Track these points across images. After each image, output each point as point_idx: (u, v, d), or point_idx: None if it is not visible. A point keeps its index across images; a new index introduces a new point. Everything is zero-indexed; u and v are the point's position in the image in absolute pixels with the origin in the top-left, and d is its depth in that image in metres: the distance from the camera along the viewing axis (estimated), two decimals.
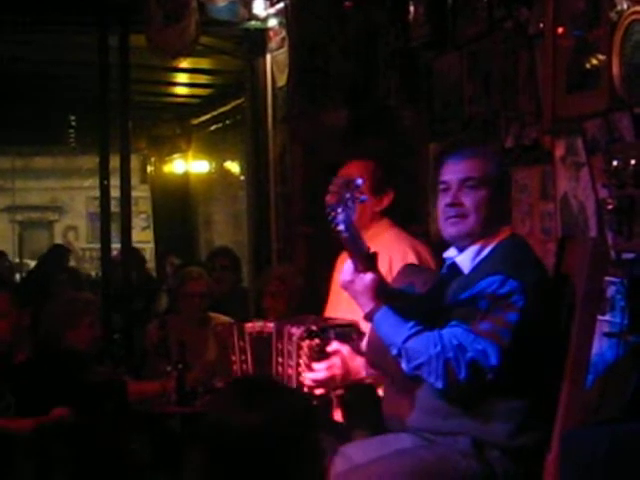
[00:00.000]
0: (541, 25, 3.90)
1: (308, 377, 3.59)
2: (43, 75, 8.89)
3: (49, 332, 4.89)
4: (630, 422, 2.95)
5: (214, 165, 11.79)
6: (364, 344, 3.53)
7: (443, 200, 3.26)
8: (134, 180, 8.33)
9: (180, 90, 10.15)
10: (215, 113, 10.51)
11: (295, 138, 6.42)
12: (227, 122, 10.32)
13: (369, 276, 3.21)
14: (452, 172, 3.27)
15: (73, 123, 11.29)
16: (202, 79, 9.35)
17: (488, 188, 3.22)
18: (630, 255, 3.34)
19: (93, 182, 11.20)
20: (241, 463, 2.00)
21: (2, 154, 17.83)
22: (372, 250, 3.28)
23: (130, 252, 7.50)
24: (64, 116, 10.95)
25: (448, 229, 3.26)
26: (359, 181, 3.13)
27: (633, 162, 3.28)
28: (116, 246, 7.64)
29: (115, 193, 7.07)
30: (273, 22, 6.61)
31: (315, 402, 3.54)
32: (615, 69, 3.35)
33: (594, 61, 3.54)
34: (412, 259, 4.05)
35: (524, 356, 3.05)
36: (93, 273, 13.08)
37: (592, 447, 2.75)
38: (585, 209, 3.63)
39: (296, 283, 5.51)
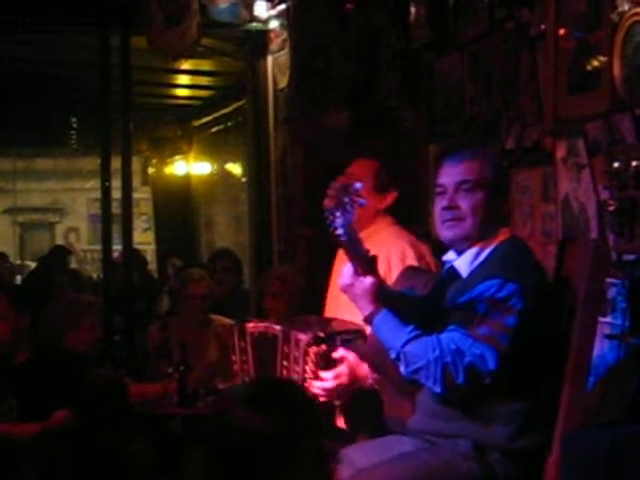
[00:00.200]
0: (542, 26, 3.89)
1: (316, 386, 3.59)
2: (44, 76, 8.90)
3: (50, 334, 4.89)
4: (631, 424, 2.95)
5: (215, 167, 11.79)
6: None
7: (440, 203, 3.26)
8: (135, 182, 8.34)
9: (181, 92, 10.16)
10: (216, 115, 10.51)
11: (296, 140, 6.42)
12: (228, 124, 10.32)
13: (369, 279, 3.20)
14: (448, 175, 3.26)
15: (74, 124, 11.30)
16: (203, 81, 9.35)
17: (485, 190, 3.20)
18: (631, 257, 3.33)
19: (94, 184, 11.17)
20: (244, 464, 1.99)
21: (3, 155, 17.85)
22: (371, 249, 3.28)
23: (131, 254, 7.51)
24: (65, 117, 10.95)
25: (445, 232, 3.25)
26: (358, 185, 3.12)
27: (634, 163, 3.27)
28: (117, 248, 7.65)
29: (116, 195, 7.08)
30: (274, 24, 6.61)
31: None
32: (616, 70, 3.35)
33: (595, 62, 3.53)
34: (411, 255, 4.06)
35: (524, 359, 3.05)
36: (94, 275, 13.08)
37: (593, 449, 2.75)
38: (586, 211, 3.63)
39: (297, 283, 5.51)
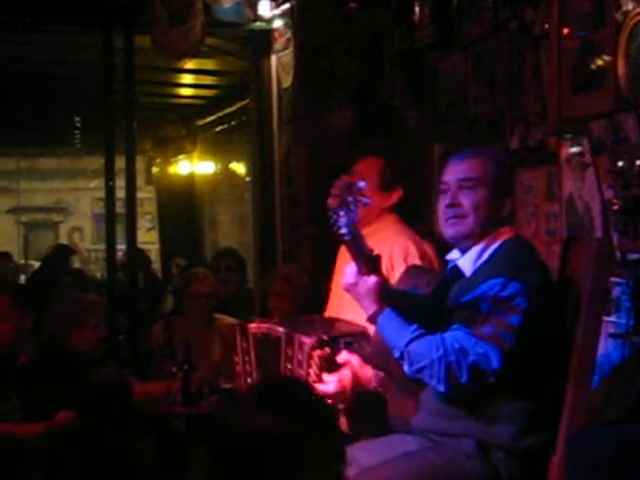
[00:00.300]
0: (546, 26, 3.89)
1: (319, 389, 3.59)
2: (48, 76, 8.89)
3: (54, 333, 4.89)
4: (636, 423, 2.94)
5: (219, 166, 11.78)
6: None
7: (443, 201, 3.26)
8: (139, 181, 8.36)
9: (185, 91, 10.15)
10: (220, 114, 10.51)
11: (300, 139, 6.41)
12: (232, 123, 10.32)
13: (372, 279, 3.20)
14: (451, 173, 3.26)
15: (78, 124, 11.29)
16: (207, 80, 9.35)
17: (487, 188, 3.20)
18: (636, 256, 3.33)
19: (98, 183, 11.15)
20: (250, 464, 1.99)
21: (7, 155, 17.83)
22: (374, 246, 3.28)
23: (135, 253, 7.51)
24: (69, 117, 10.95)
25: (447, 230, 3.25)
26: (361, 184, 3.11)
27: (638, 162, 3.27)
28: (121, 247, 7.65)
29: (120, 194, 7.08)
30: (278, 23, 6.61)
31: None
32: (620, 70, 3.35)
33: (599, 62, 3.53)
34: (413, 253, 4.07)
35: (528, 358, 3.04)
36: (98, 274, 13.09)
37: (598, 449, 2.74)
38: (590, 210, 3.63)
39: (301, 283, 5.52)
